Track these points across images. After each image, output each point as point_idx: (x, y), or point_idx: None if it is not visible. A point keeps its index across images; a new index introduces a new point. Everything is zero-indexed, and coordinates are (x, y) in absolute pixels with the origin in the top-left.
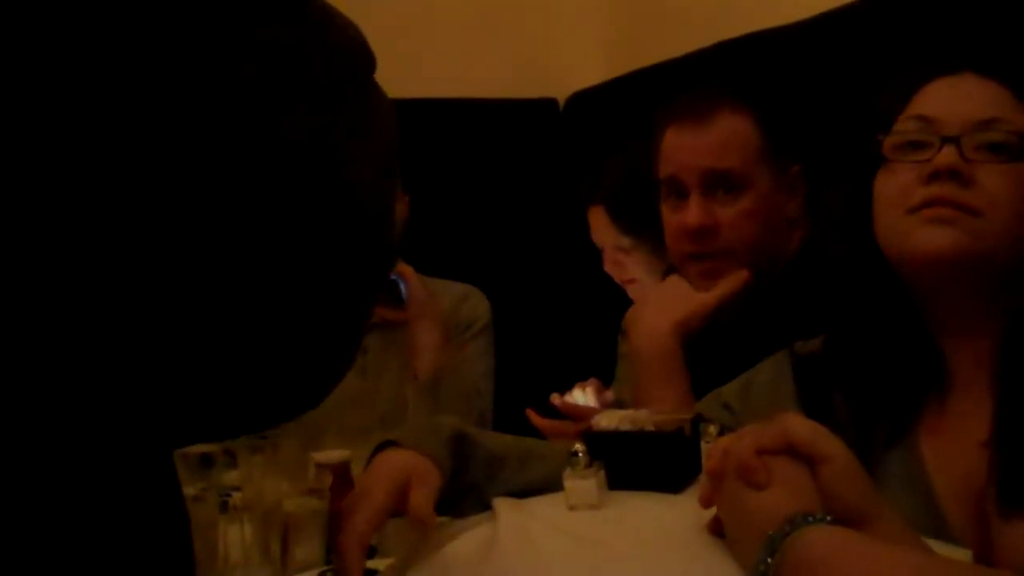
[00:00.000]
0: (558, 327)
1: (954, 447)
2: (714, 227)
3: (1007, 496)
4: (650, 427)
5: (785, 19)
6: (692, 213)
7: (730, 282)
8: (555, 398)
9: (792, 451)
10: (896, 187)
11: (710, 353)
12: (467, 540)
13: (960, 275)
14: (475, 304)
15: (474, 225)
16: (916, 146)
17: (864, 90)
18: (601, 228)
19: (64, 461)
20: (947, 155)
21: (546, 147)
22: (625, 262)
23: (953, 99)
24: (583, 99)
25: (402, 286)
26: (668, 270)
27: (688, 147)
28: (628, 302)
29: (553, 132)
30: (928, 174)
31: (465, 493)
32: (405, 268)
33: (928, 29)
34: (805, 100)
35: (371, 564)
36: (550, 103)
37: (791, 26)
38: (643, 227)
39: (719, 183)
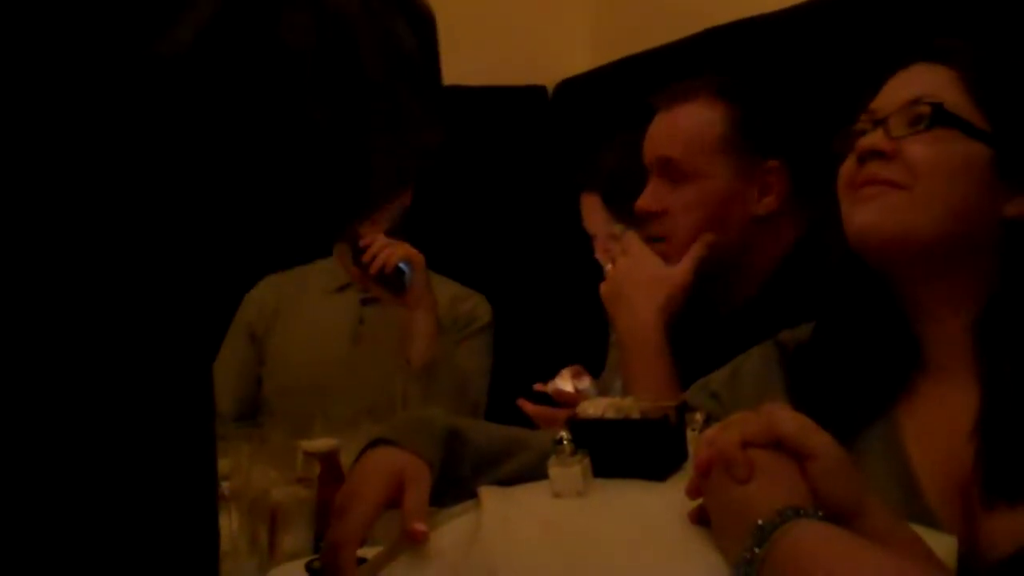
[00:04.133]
0: (547, 315)
1: (933, 431)
2: (661, 212)
3: (991, 485)
4: (635, 415)
5: (775, 6)
6: (642, 196)
7: (696, 249)
8: (538, 387)
9: (779, 445)
10: (842, 176)
11: (704, 347)
12: (451, 529)
13: (898, 251)
14: (476, 305)
15: (462, 212)
16: (859, 135)
17: (854, 78)
18: (594, 215)
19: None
20: (870, 137)
21: (535, 134)
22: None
23: (896, 88)
24: (572, 86)
25: (408, 273)
26: None
27: (651, 133)
28: None
29: (542, 119)
30: (857, 157)
31: (451, 488)
32: (417, 256)
33: (906, 18)
34: (793, 90)
35: (359, 552)
36: (539, 90)
37: (780, 12)
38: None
39: (666, 171)
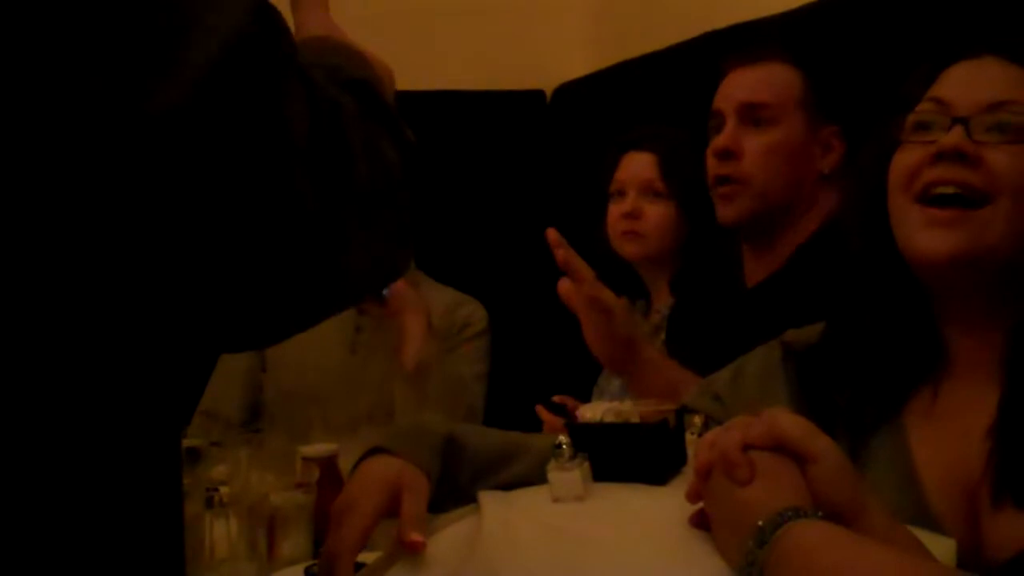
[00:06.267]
0: (546, 320)
1: (943, 435)
2: (738, 152)
3: (1002, 484)
4: (634, 419)
5: (770, 10)
6: (722, 136)
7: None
8: (557, 399)
9: (780, 448)
10: (905, 168)
11: (727, 322)
12: (451, 534)
13: (964, 273)
14: (472, 311)
15: (462, 216)
16: (927, 127)
17: (852, 83)
18: (639, 171)
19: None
20: (953, 135)
21: (534, 138)
22: (646, 210)
23: (969, 82)
24: (570, 90)
25: None
26: (684, 240)
27: (732, 82)
28: (619, 292)
29: (541, 123)
30: (933, 154)
31: (450, 495)
32: None
33: (945, 14)
34: (852, 66)
35: (359, 558)
36: (537, 94)
37: (776, 17)
38: (684, 185)
39: (751, 116)
